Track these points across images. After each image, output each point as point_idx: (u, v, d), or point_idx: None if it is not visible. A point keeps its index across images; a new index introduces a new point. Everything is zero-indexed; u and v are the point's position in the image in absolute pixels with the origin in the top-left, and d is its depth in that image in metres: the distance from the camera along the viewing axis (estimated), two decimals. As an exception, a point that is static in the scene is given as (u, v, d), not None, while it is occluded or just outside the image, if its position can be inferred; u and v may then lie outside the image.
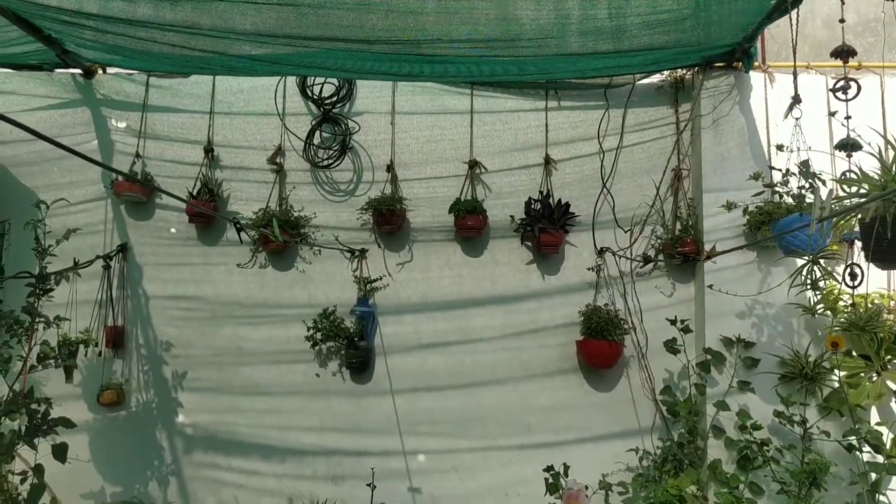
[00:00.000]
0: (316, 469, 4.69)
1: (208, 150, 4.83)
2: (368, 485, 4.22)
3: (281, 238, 4.18)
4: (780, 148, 4.24)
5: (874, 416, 4.26)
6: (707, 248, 4.45)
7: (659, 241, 4.63)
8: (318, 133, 4.85)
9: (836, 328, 3.90)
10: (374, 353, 4.71)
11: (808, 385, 4.15)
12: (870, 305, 3.89)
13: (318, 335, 4.60)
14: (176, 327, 4.82)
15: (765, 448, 4.20)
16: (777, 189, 4.07)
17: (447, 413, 4.67)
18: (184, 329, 4.81)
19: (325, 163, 4.78)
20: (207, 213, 4.67)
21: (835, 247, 4.15)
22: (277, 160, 4.83)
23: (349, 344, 4.63)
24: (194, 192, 4.77)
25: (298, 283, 4.80)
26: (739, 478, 4.23)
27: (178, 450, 4.76)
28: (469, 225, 4.63)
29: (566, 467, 3.80)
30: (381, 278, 4.73)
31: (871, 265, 2.98)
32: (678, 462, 4.34)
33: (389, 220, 4.63)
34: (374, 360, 4.71)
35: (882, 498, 3.98)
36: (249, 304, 4.81)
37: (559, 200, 4.67)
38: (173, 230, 4.88)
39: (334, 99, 4.82)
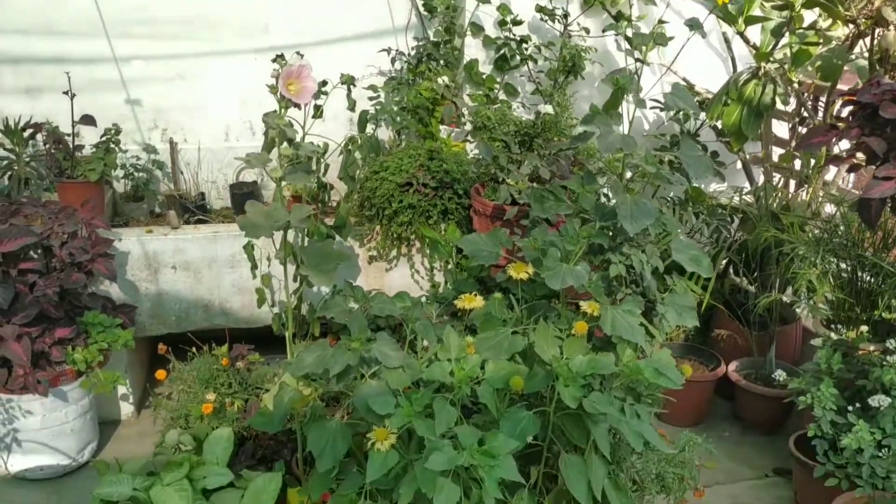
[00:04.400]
0: (2, 81, 3.79)
1: None
2: (66, 92, 3.45)
3: None
4: None
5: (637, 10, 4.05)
6: None
7: None
8: None
9: None
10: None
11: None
12: None
13: None
14: None
15: (523, 46, 3.91)
16: None
17: (168, 11, 3.84)
18: None
19: None
20: None
21: None
22: None
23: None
24: None
25: None
26: (495, 79, 3.98)
27: None
28: None
29: (300, 55, 3.26)
30: None
31: None
32: (433, 63, 3.97)
33: None
34: (58, -62, 3.64)
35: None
36: None
37: None
38: None
39: None
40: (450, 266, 3.60)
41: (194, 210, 3.82)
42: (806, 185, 3.85)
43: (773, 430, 3.70)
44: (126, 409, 3.63)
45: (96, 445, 3.37)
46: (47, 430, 3.13)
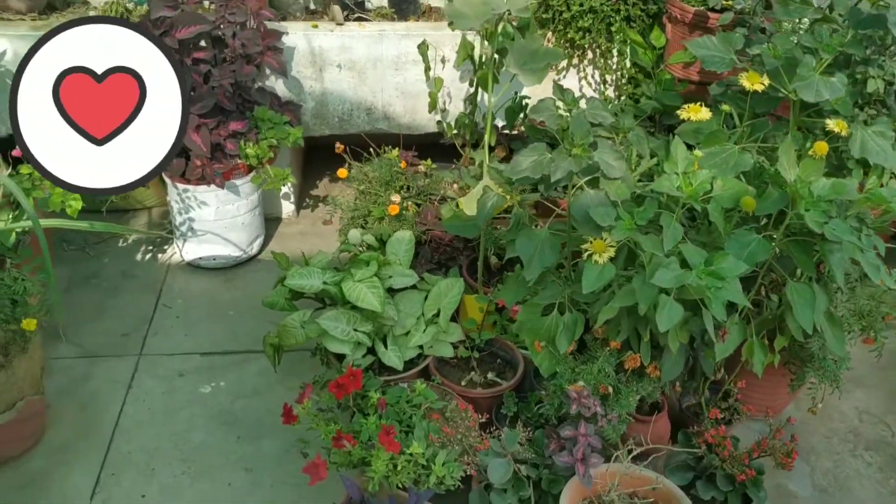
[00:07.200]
0: None
1: None
2: None
3: None
4: None
5: None
6: None
7: None
8: None
9: None
10: None
11: None
12: None
13: None
14: None
15: None
16: None
17: None
18: None
19: None
20: None
21: None
22: None
23: None
24: None
25: None
26: None
27: None
28: None
29: None
30: None
31: None
32: None
33: None
34: None
35: None
36: None
37: None
38: None
39: None
40: (624, 80, 3.35)
41: (353, 7, 3.62)
42: None
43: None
44: (287, 208, 3.67)
45: (263, 240, 3.44)
46: (220, 221, 3.19)
